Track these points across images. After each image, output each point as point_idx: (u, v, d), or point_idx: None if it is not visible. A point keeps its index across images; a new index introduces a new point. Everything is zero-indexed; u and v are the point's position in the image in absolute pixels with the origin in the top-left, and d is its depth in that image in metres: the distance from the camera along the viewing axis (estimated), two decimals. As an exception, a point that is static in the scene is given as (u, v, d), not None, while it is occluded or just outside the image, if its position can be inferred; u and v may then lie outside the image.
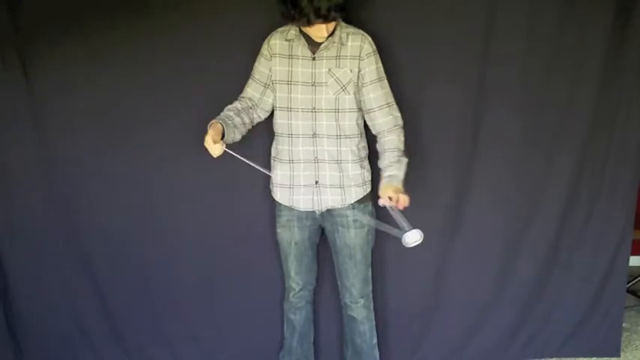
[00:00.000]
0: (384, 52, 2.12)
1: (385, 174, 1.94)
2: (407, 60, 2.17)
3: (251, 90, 2.02)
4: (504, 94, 2.22)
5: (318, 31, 1.85)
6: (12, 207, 2.30)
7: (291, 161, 2.01)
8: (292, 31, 1.94)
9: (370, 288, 2.20)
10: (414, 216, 2.30)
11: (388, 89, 2.01)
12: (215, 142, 1.83)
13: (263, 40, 2.01)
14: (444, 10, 2.14)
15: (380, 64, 1.98)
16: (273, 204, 2.14)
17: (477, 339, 2.47)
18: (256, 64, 2.01)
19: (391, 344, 2.45)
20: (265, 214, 2.23)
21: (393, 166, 1.94)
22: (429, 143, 2.26)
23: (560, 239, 2.39)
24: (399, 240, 2.31)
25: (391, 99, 2.01)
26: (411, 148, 2.24)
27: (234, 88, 2.06)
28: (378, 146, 2.03)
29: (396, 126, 2.00)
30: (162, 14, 2.12)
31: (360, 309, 2.18)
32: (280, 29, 1.98)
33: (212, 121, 1.90)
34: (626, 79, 2.24)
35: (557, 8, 2.15)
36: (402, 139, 2.01)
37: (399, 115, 2.02)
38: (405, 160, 1.97)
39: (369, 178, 2.08)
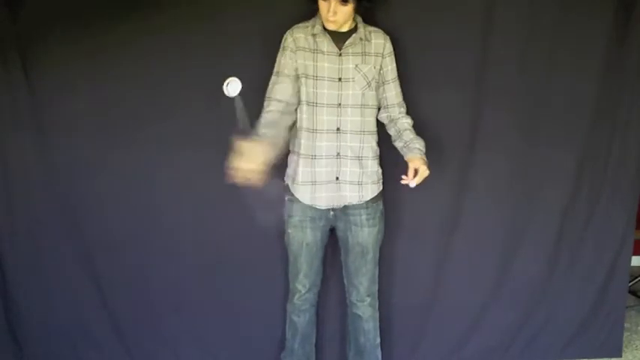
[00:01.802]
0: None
1: (411, 146, 1.98)
2: (407, 60, 2.16)
3: (282, 87, 1.94)
4: (504, 94, 2.22)
5: (325, 10, 1.86)
6: (12, 206, 2.30)
7: (313, 157, 1.99)
8: (317, 26, 1.94)
9: (376, 287, 2.20)
10: (414, 215, 2.32)
11: (400, 90, 2.08)
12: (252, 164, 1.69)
13: (264, 39, 2.00)
14: (443, 9, 2.14)
15: (395, 64, 2.04)
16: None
17: (476, 339, 2.47)
18: (282, 59, 1.96)
19: (391, 343, 2.45)
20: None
21: (415, 142, 1.99)
22: (428, 142, 2.23)
23: (561, 239, 2.39)
24: (398, 239, 2.33)
25: (402, 97, 2.09)
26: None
27: (234, 88, 2.05)
28: (394, 130, 2.06)
29: (408, 115, 2.08)
30: (163, 14, 2.12)
31: (365, 307, 2.18)
32: (301, 25, 1.97)
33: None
34: (626, 79, 2.24)
35: (557, 8, 2.14)
36: (412, 122, 2.07)
37: (406, 109, 2.10)
38: (422, 140, 2.02)
39: (381, 176, 2.10)
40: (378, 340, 2.26)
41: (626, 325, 2.68)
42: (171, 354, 2.46)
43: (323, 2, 1.86)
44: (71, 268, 2.35)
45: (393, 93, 2.04)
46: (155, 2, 2.12)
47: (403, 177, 1.88)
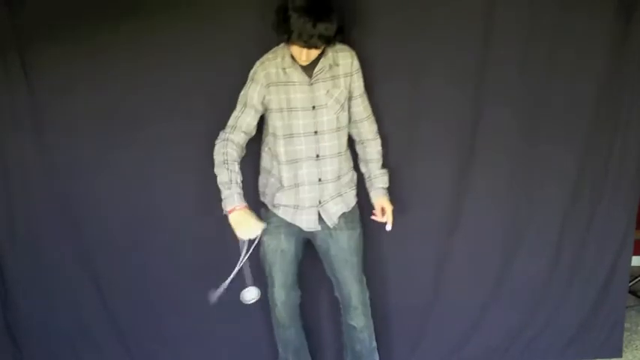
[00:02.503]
0: (383, 52, 2.12)
1: (376, 185, 2.13)
2: (407, 60, 2.17)
3: (248, 119, 1.96)
4: (504, 94, 2.22)
5: (298, 53, 1.85)
6: (12, 207, 2.30)
7: (295, 185, 2.02)
8: (287, 58, 1.92)
9: (367, 295, 2.21)
10: (414, 215, 2.32)
11: (368, 103, 2.10)
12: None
13: (262, 41, 2.00)
14: (443, 9, 2.13)
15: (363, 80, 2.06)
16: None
17: (477, 339, 2.47)
18: (249, 91, 1.95)
19: (390, 343, 2.45)
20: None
21: (380, 179, 2.13)
22: (428, 142, 2.25)
23: (561, 240, 2.39)
24: (398, 239, 2.33)
25: (370, 111, 2.11)
26: (411, 148, 2.26)
27: (234, 89, 2.04)
28: (362, 154, 2.15)
29: (377, 134, 2.13)
30: (163, 14, 2.12)
31: (359, 317, 2.18)
32: (271, 56, 1.95)
33: (237, 206, 1.88)
34: (627, 79, 2.23)
35: (557, 8, 2.14)
36: (381, 148, 2.14)
37: (376, 126, 2.13)
38: (386, 171, 2.15)
39: (356, 178, 2.16)
40: (374, 343, 2.27)
41: (626, 325, 2.68)
42: (172, 354, 2.46)
43: (296, 48, 1.84)
44: (71, 268, 2.35)
45: (360, 108, 2.05)
46: (155, 2, 2.11)
47: (374, 215, 2.11)
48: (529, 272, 2.40)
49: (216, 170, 1.94)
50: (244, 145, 1.99)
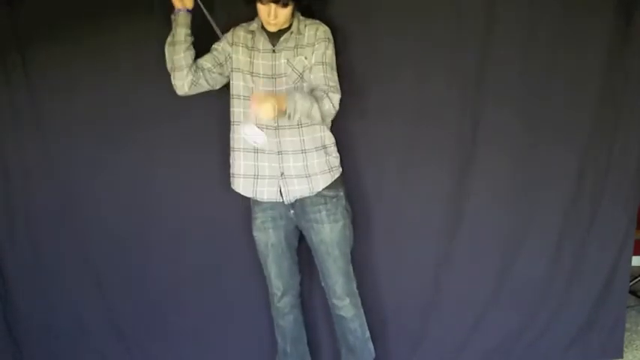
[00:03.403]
0: (383, 51, 2.12)
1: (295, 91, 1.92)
2: (407, 59, 2.17)
3: (205, 60, 2.01)
4: (504, 94, 2.21)
5: (266, 14, 1.89)
6: (12, 206, 2.31)
7: (255, 151, 2.00)
8: (255, 24, 1.99)
9: (354, 285, 2.19)
10: (414, 215, 2.32)
11: (332, 76, 1.97)
12: None
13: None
14: (444, 9, 2.13)
15: (331, 52, 1.97)
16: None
17: (477, 340, 2.46)
18: (216, 44, 2.02)
19: (391, 343, 2.44)
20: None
21: (304, 95, 1.89)
22: (429, 143, 2.25)
23: (562, 240, 2.38)
24: (399, 240, 2.32)
25: (333, 84, 1.96)
26: (412, 148, 2.26)
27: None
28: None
29: (326, 99, 1.92)
30: (163, 14, 2.11)
31: (347, 307, 2.17)
32: (244, 24, 2.02)
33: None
34: (627, 79, 2.23)
35: (557, 7, 2.14)
36: (323, 108, 1.91)
37: (336, 102, 1.95)
38: (314, 101, 1.89)
39: (337, 164, 2.08)
40: (367, 333, 2.25)
41: (627, 325, 2.67)
42: (172, 354, 2.46)
43: (263, 6, 1.88)
44: (71, 268, 2.35)
45: (320, 74, 1.94)
46: (156, 2, 2.11)
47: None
48: (529, 273, 2.40)
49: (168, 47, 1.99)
50: (195, 69, 2.00)
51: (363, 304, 2.23)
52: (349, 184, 2.18)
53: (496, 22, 2.14)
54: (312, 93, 1.94)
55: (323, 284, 2.19)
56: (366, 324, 2.24)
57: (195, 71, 1.99)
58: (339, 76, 2.01)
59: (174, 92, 2.16)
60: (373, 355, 2.28)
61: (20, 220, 2.31)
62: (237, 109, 2.01)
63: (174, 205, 2.30)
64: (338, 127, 2.11)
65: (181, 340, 2.45)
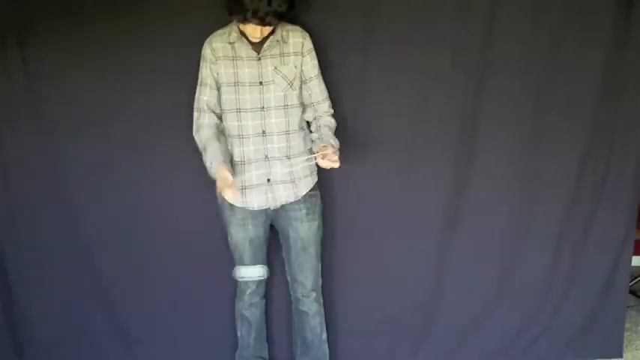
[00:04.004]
0: (383, 51, 2.12)
1: (326, 139, 2.00)
2: (407, 59, 2.17)
3: (209, 97, 2.02)
4: (505, 94, 2.22)
5: (253, 31, 1.88)
6: (12, 206, 2.30)
7: (242, 162, 2.03)
8: (234, 33, 1.96)
9: (321, 282, 2.23)
10: (414, 215, 2.32)
11: (324, 86, 2.08)
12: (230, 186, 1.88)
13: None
14: (445, 9, 2.14)
15: (316, 61, 2.05)
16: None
17: (477, 340, 2.46)
18: (202, 71, 2.00)
19: (392, 344, 2.45)
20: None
21: (331, 139, 2.01)
22: (429, 143, 2.25)
23: (562, 240, 2.38)
24: (399, 240, 2.33)
25: (327, 93, 2.09)
26: (412, 147, 2.26)
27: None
28: (314, 125, 2.10)
29: (333, 114, 2.11)
30: (164, 14, 2.12)
31: (311, 303, 2.21)
32: (219, 32, 1.99)
33: (219, 168, 1.90)
34: (627, 79, 2.23)
35: (558, 7, 2.14)
36: (334, 121, 2.10)
37: (331, 109, 2.11)
38: (334, 127, 2.09)
39: (316, 167, 2.11)
40: (325, 335, 2.28)
41: (627, 325, 2.67)
42: (173, 353, 2.46)
43: (249, 25, 1.86)
44: (71, 268, 2.35)
45: (317, 90, 2.05)
46: (155, 1, 2.11)
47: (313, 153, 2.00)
48: (530, 272, 2.40)
49: (203, 159, 2.01)
50: (218, 122, 2.04)
51: (363, 303, 2.24)
52: (349, 184, 2.19)
53: (497, 21, 2.14)
54: (321, 120, 2.07)
55: (289, 278, 2.22)
56: (325, 324, 2.28)
57: (218, 117, 2.04)
58: (334, 78, 2.08)
59: (176, 90, 2.17)
60: (327, 359, 2.31)
61: (20, 220, 2.31)
62: (229, 123, 2.02)
63: (174, 204, 2.30)
64: (338, 126, 2.12)
65: (182, 339, 2.45)
